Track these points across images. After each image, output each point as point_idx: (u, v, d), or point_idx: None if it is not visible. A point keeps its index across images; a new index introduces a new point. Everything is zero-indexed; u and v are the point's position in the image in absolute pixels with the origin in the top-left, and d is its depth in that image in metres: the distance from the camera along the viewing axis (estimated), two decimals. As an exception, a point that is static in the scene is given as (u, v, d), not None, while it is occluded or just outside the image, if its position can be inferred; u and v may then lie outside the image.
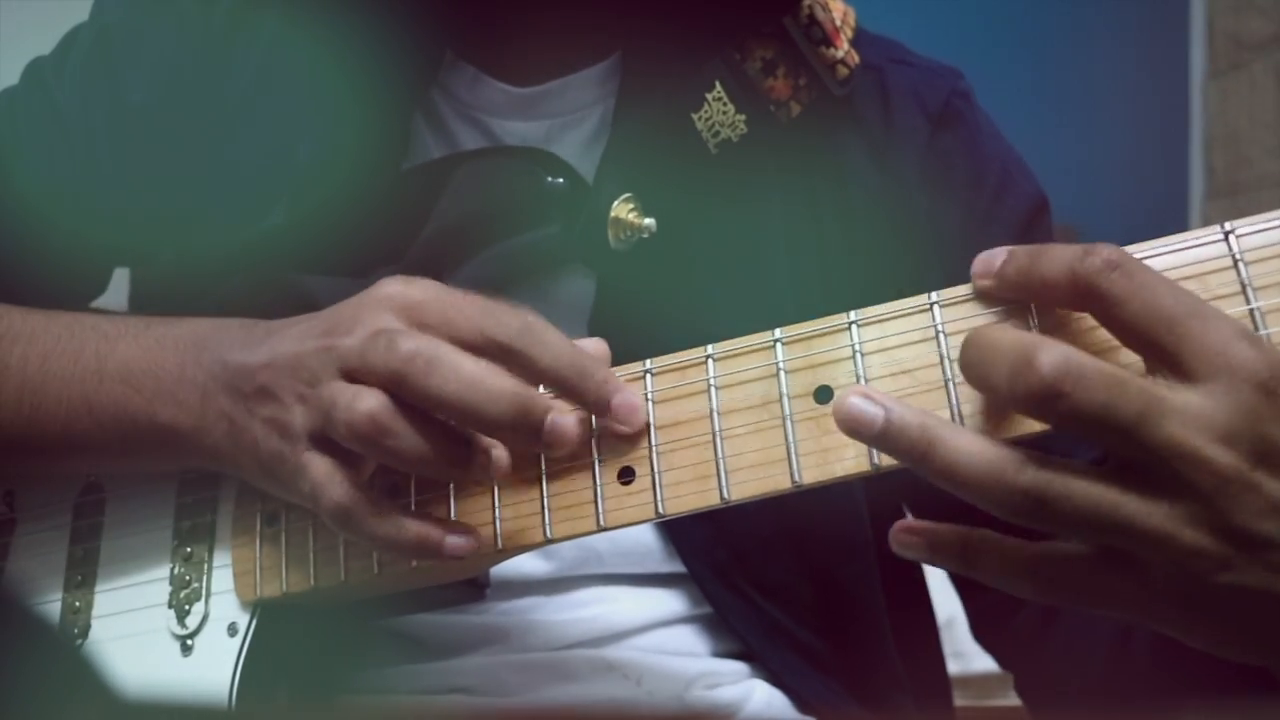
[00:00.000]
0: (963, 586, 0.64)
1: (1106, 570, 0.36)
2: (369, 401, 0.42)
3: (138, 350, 0.51)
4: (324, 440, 0.44)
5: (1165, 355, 0.35)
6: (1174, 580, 0.35)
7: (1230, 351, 0.34)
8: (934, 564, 0.39)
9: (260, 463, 0.46)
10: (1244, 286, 0.38)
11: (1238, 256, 0.38)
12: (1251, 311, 0.37)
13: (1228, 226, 0.38)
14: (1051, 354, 0.34)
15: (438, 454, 0.42)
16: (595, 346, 0.46)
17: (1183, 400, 0.34)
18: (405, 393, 0.42)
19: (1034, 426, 0.38)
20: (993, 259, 0.39)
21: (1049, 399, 0.34)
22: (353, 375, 0.43)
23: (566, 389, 0.43)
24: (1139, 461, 0.34)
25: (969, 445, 0.36)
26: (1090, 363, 0.34)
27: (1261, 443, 0.33)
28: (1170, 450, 0.33)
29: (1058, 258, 0.37)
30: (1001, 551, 0.37)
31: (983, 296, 0.40)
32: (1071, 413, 0.34)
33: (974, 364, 0.36)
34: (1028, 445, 0.36)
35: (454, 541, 0.43)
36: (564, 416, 0.42)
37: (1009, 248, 0.39)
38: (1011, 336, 0.36)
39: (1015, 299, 0.39)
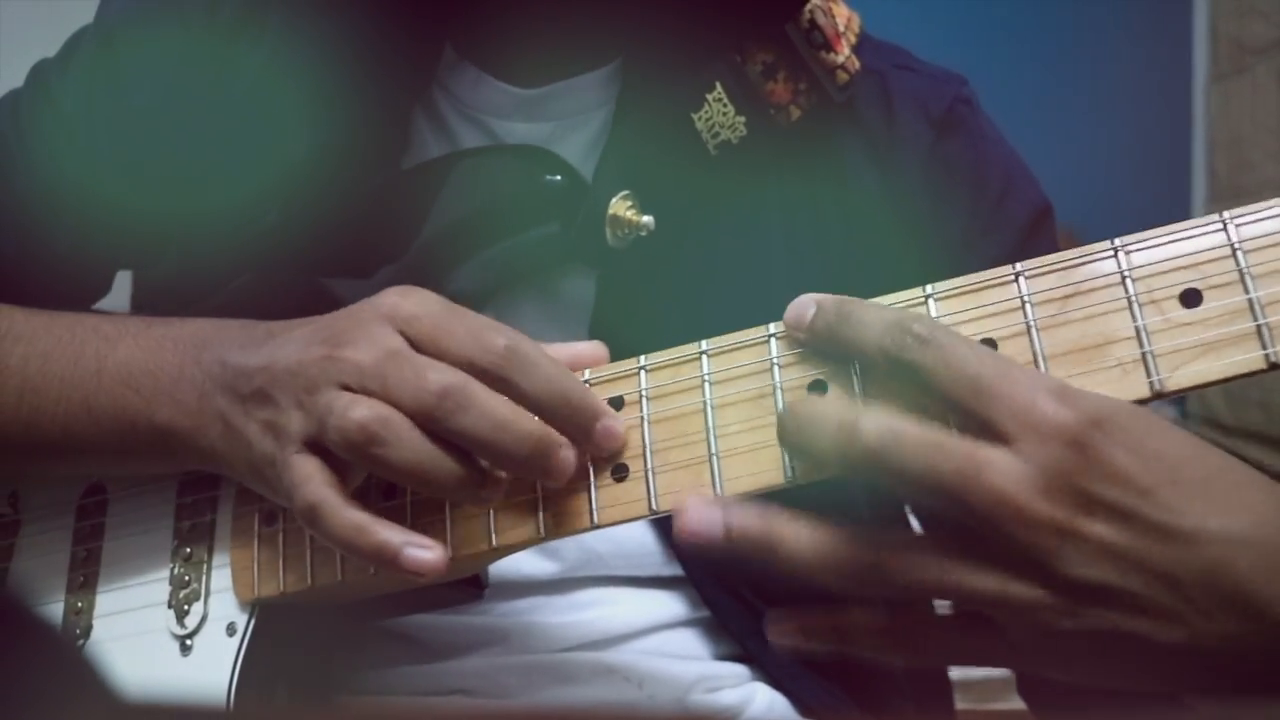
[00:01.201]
0: None
1: (967, 633, 0.37)
2: (362, 410, 0.42)
3: (138, 350, 0.51)
4: (316, 447, 0.44)
5: (976, 419, 0.36)
6: (1026, 633, 0.36)
7: (1035, 410, 0.35)
8: (809, 648, 0.40)
9: (251, 464, 0.46)
10: (1242, 275, 0.37)
11: (1236, 245, 0.38)
12: (1250, 300, 0.37)
13: (1226, 215, 0.38)
14: (874, 421, 0.36)
15: (428, 469, 0.42)
16: (594, 350, 0.46)
17: (999, 458, 0.35)
18: (433, 425, 0.42)
19: None
20: (803, 312, 0.41)
21: (873, 463, 0.36)
22: (360, 391, 0.43)
23: (548, 416, 0.43)
24: (967, 524, 0.35)
25: (805, 533, 0.37)
26: (910, 428, 0.35)
27: (1078, 493, 0.34)
28: (990, 505, 0.34)
29: (870, 324, 0.39)
30: (870, 627, 0.39)
31: (987, 289, 0.40)
32: (896, 475, 0.36)
33: (794, 431, 0.38)
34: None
35: (412, 554, 0.42)
36: (571, 452, 0.43)
37: (817, 298, 0.41)
38: (831, 405, 0.38)
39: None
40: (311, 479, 0.43)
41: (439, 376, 0.42)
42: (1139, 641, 0.34)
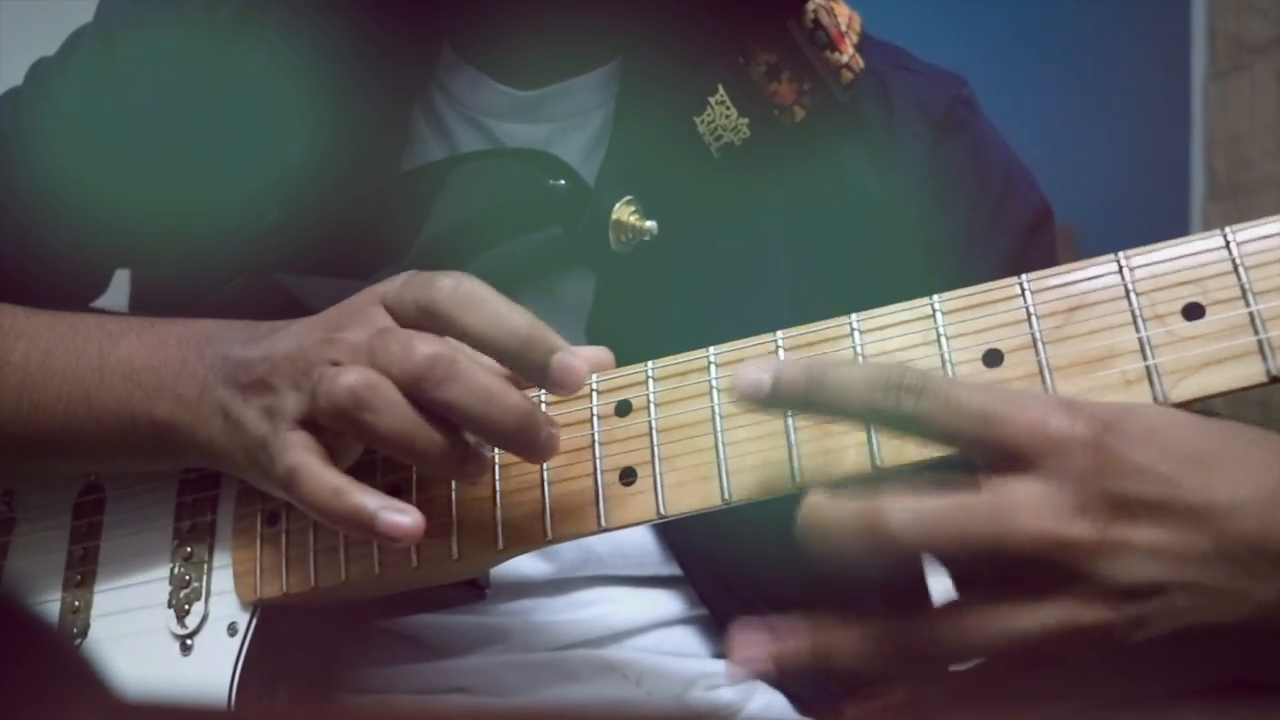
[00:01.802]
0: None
1: (1025, 678, 0.36)
2: (351, 376, 0.41)
3: (141, 347, 0.51)
4: (311, 425, 0.44)
5: (993, 449, 0.36)
6: (1093, 661, 0.35)
7: (1049, 426, 0.35)
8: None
9: (247, 451, 0.46)
10: (1244, 291, 0.38)
11: (1238, 261, 0.38)
12: (1251, 315, 0.37)
13: (1228, 231, 0.38)
14: (898, 519, 0.35)
15: (416, 437, 0.42)
16: (599, 354, 0.46)
17: (1024, 492, 0.34)
18: (420, 396, 0.42)
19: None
20: (757, 383, 0.38)
21: (908, 550, 0.35)
22: (348, 363, 0.43)
23: (499, 355, 0.42)
24: (1010, 570, 0.35)
25: (854, 639, 0.36)
26: (932, 506, 0.35)
27: (1110, 498, 0.34)
28: (1032, 544, 0.34)
29: (852, 388, 0.37)
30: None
31: (994, 301, 0.40)
32: (934, 552, 0.35)
33: (818, 539, 0.37)
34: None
35: (388, 518, 0.41)
36: (558, 431, 0.43)
37: (769, 367, 0.38)
38: (848, 510, 0.36)
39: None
40: (294, 446, 0.43)
41: (426, 347, 0.42)
42: (1211, 630, 0.34)
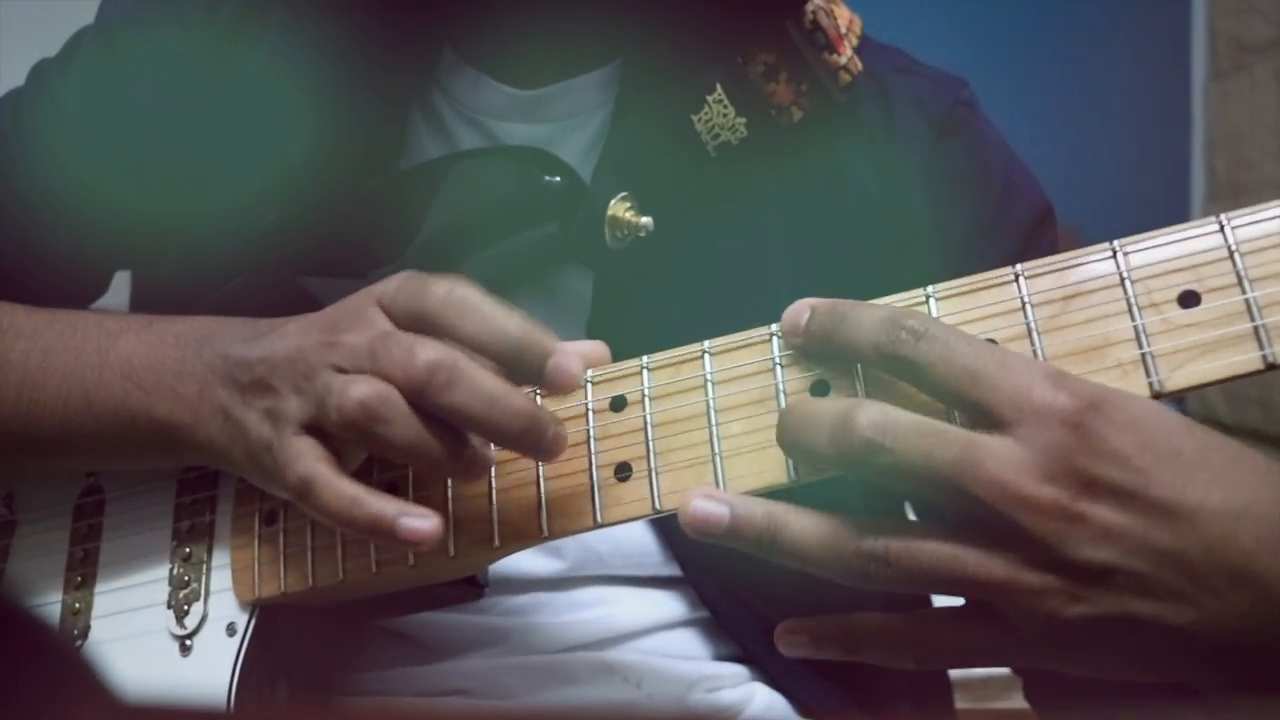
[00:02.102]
0: None
1: (971, 627, 0.37)
2: (362, 388, 0.42)
3: (140, 345, 0.51)
4: (315, 430, 0.44)
5: (975, 408, 0.36)
6: (1031, 623, 0.36)
7: (1034, 394, 0.35)
8: (821, 655, 0.40)
9: (249, 453, 0.46)
10: (1240, 278, 0.38)
11: (1233, 248, 0.38)
12: (1247, 302, 0.37)
13: (1224, 218, 0.38)
14: (869, 412, 0.36)
15: (427, 446, 0.42)
16: (596, 349, 0.46)
17: (998, 444, 0.35)
18: (423, 400, 0.42)
19: None
20: (798, 316, 0.41)
21: (870, 455, 0.36)
22: (351, 370, 0.43)
23: (497, 359, 0.43)
24: (969, 513, 0.35)
25: (809, 523, 0.38)
26: (906, 417, 0.36)
27: (1079, 475, 0.34)
28: (992, 492, 0.35)
29: (864, 323, 0.39)
30: (879, 630, 0.39)
31: (988, 291, 0.40)
32: (894, 467, 0.36)
33: (792, 430, 0.39)
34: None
35: (408, 524, 0.42)
36: (563, 429, 0.43)
37: (811, 302, 0.41)
38: (828, 403, 0.38)
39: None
40: (305, 455, 0.43)
41: (428, 353, 0.42)
42: (1148, 626, 0.34)
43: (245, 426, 0.46)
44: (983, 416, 0.36)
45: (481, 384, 0.42)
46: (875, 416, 0.36)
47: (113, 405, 0.50)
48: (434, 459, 0.42)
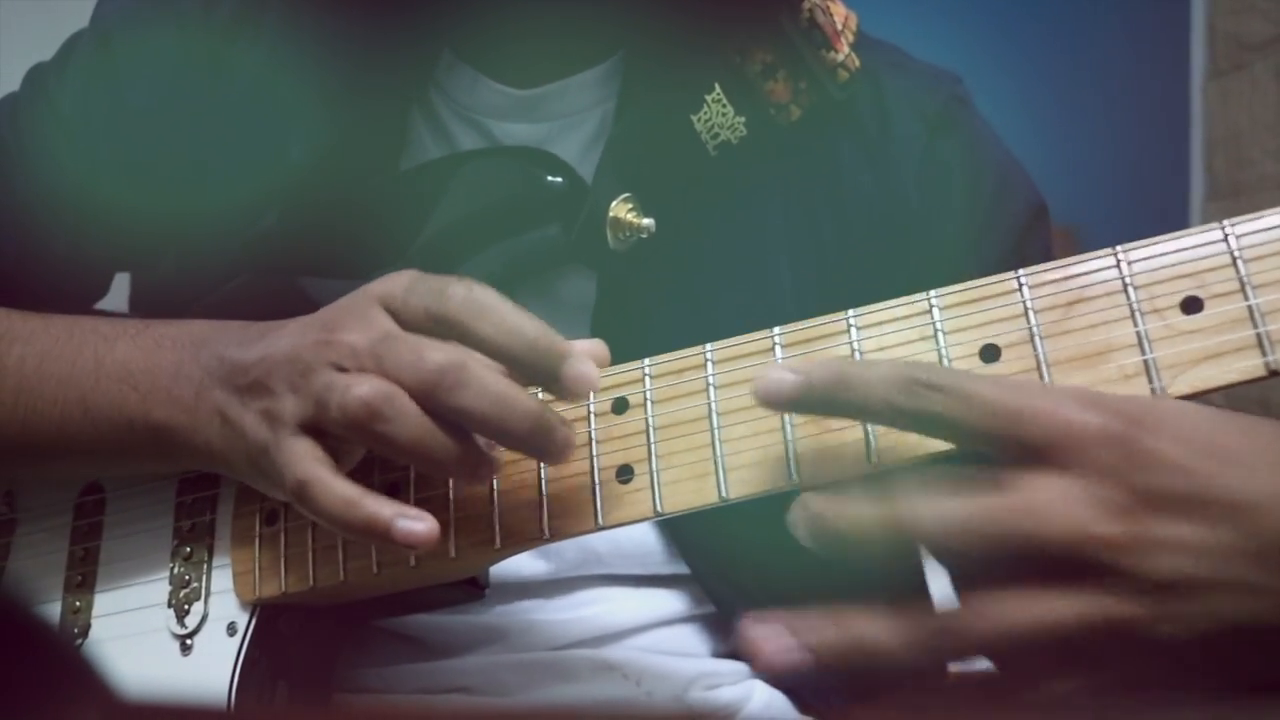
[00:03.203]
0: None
1: (1048, 671, 0.36)
2: (364, 387, 0.41)
3: (136, 349, 0.51)
4: (313, 429, 0.43)
5: (1015, 447, 0.35)
6: (1118, 657, 0.35)
7: (1073, 422, 0.34)
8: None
9: (248, 455, 0.46)
10: (1243, 284, 0.38)
11: (1236, 254, 0.38)
12: (1250, 308, 0.37)
13: (1226, 224, 0.38)
14: (926, 526, 0.35)
15: (432, 445, 0.42)
16: (595, 347, 0.46)
17: (1053, 490, 0.34)
18: (432, 402, 0.42)
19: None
20: (778, 386, 0.38)
21: (943, 547, 0.35)
22: (352, 369, 0.43)
23: (512, 363, 0.43)
24: (1045, 565, 0.34)
25: (883, 626, 0.36)
26: (956, 512, 0.34)
27: (1139, 493, 0.34)
28: (1066, 546, 0.34)
29: (873, 385, 0.37)
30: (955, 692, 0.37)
31: (990, 296, 0.40)
32: (961, 557, 0.35)
33: (833, 543, 0.37)
34: None
35: (405, 525, 0.41)
36: (570, 431, 0.43)
37: (792, 368, 0.38)
38: (867, 507, 0.36)
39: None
40: (303, 457, 0.43)
41: (437, 355, 0.42)
42: (1243, 629, 0.33)
43: (243, 428, 0.45)
44: (1026, 453, 0.35)
45: (491, 386, 0.41)
46: (933, 528, 0.34)
47: (109, 410, 0.50)
48: (438, 458, 0.42)
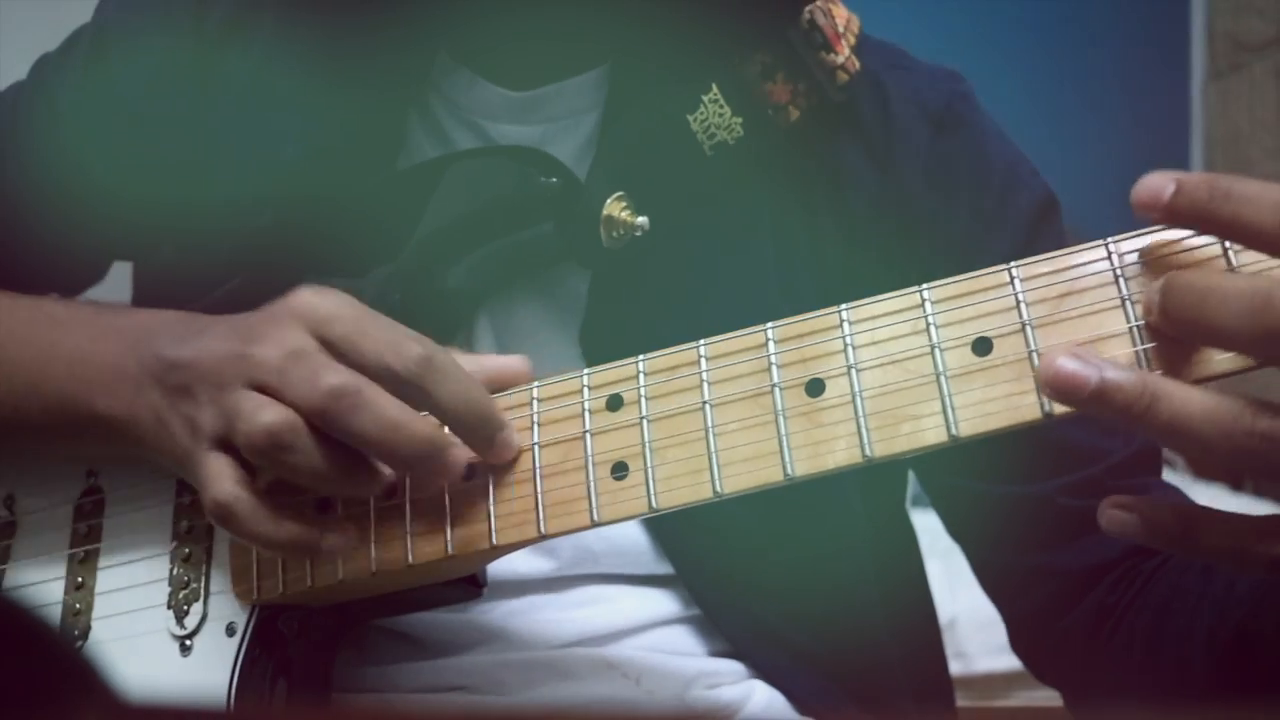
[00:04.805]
0: (1000, 594, 0.62)
1: None
2: (268, 416, 0.43)
3: (84, 339, 0.52)
4: (228, 445, 0.45)
5: None
6: None
7: None
8: (1149, 544, 0.38)
9: (176, 457, 0.47)
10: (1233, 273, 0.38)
11: (1228, 244, 0.38)
12: None
13: None
14: None
15: (330, 475, 0.44)
16: (518, 363, 0.48)
17: None
18: (325, 425, 0.43)
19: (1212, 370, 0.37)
20: (1158, 190, 0.36)
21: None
22: (263, 388, 0.44)
23: (457, 427, 0.45)
24: None
25: (1194, 396, 0.35)
26: None
27: None
28: None
29: (1259, 203, 0.35)
30: (1228, 526, 0.36)
31: (982, 290, 0.40)
32: None
33: (1194, 303, 0.35)
34: None
35: (333, 540, 0.46)
36: (463, 451, 0.45)
37: (1176, 176, 0.36)
38: (1241, 280, 0.35)
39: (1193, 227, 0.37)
40: (221, 476, 0.44)
41: (332, 378, 0.43)
42: None
43: (172, 431, 0.47)
44: None
45: (384, 410, 0.43)
46: None
47: (58, 397, 0.51)
48: (338, 486, 0.45)
